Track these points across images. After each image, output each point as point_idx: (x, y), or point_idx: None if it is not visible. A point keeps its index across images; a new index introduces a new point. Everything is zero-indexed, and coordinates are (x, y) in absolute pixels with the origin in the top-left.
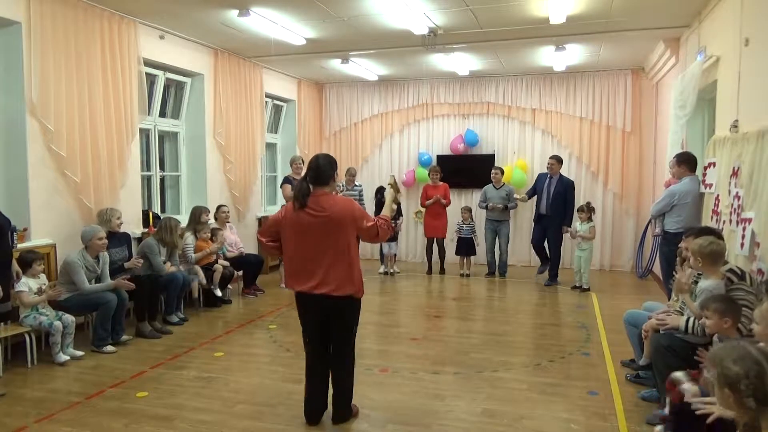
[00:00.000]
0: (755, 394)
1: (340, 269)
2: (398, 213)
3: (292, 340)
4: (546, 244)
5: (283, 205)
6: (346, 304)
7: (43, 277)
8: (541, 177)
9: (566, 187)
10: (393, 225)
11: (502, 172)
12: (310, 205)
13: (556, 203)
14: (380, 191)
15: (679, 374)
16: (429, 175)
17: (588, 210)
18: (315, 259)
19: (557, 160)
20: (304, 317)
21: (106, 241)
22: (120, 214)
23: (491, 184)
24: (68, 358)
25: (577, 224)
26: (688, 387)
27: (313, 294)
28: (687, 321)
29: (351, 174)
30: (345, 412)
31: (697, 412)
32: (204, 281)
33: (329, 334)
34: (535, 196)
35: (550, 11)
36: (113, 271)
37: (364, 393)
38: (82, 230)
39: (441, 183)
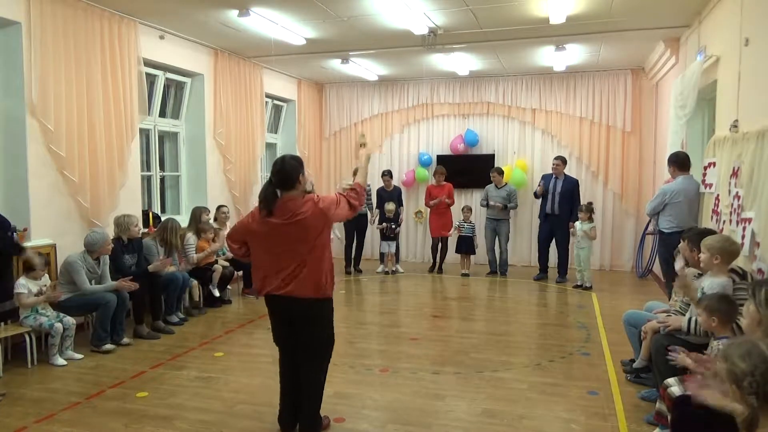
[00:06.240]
0: (758, 391)
1: (311, 273)
2: (396, 214)
3: None
4: (554, 244)
5: (251, 211)
6: (314, 305)
7: (45, 277)
8: (545, 177)
9: (573, 186)
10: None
11: (500, 173)
12: (277, 212)
13: (564, 202)
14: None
15: (671, 380)
16: (434, 175)
17: (588, 210)
18: (285, 264)
19: (562, 161)
20: (274, 323)
21: (112, 245)
22: (137, 220)
23: (493, 184)
24: (65, 363)
25: (578, 224)
26: (675, 389)
27: (281, 295)
28: (689, 322)
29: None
30: (313, 423)
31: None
32: (214, 289)
33: (299, 343)
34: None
35: (550, 11)
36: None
37: (364, 393)
38: (88, 237)
39: (445, 183)
